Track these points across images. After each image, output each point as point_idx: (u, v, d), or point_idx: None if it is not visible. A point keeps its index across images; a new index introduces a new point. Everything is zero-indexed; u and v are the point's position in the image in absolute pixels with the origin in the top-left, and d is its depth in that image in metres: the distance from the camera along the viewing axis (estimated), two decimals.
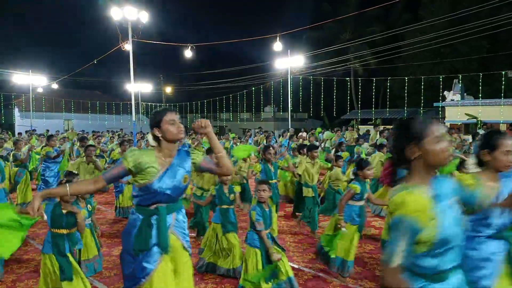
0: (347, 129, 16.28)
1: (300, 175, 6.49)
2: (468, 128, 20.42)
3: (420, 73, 25.85)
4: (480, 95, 19.69)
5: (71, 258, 3.54)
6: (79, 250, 4.27)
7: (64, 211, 3.62)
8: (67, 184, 2.53)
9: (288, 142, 13.12)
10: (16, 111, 32.93)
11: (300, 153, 7.61)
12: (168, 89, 42.20)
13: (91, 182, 2.53)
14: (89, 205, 4.42)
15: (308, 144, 8.86)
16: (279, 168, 6.63)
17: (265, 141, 14.28)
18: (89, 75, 33.92)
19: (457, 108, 20.65)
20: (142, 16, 16.70)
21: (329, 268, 4.57)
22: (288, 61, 21.09)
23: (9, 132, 20.69)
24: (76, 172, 4.50)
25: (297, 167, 6.45)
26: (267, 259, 3.78)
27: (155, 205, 2.53)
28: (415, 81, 24.91)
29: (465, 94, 22.03)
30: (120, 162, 2.54)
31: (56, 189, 2.78)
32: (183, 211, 2.75)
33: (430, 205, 1.61)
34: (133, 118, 17.32)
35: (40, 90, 30.49)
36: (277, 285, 3.76)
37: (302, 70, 24.52)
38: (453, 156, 6.81)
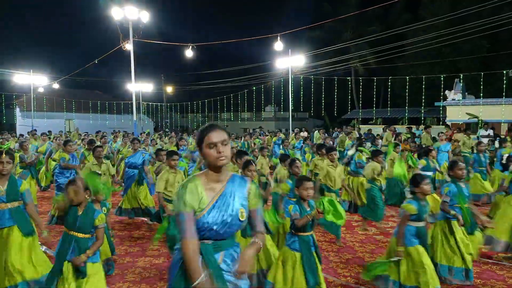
0: (347, 129, 16.29)
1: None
2: (470, 127, 20.39)
3: (421, 73, 25.81)
4: (481, 95, 19.65)
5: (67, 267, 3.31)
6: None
7: (79, 212, 3.40)
8: None
9: (302, 145, 12.90)
10: (17, 111, 32.97)
11: (319, 154, 7.42)
12: (169, 89, 42.23)
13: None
14: (104, 208, 4.30)
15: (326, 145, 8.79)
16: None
17: (294, 141, 13.66)
18: (90, 75, 34.02)
19: (458, 107, 20.62)
20: (142, 16, 16.74)
21: None
22: (288, 61, 21.11)
23: (14, 133, 20.70)
24: (99, 172, 4.56)
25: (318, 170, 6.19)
26: (308, 262, 3.52)
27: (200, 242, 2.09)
28: (416, 81, 24.87)
29: (466, 93, 21.99)
30: (182, 214, 2.04)
31: None
32: (238, 250, 2.21)
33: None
34: (134, 118, 17.37)
35: (41, 90, 30.54)
36: None
37: (303, 69, 24.53)
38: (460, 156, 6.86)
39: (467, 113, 19.65)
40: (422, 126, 17.80)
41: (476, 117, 18.87)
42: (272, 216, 4.52)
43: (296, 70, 22.85)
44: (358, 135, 14.77)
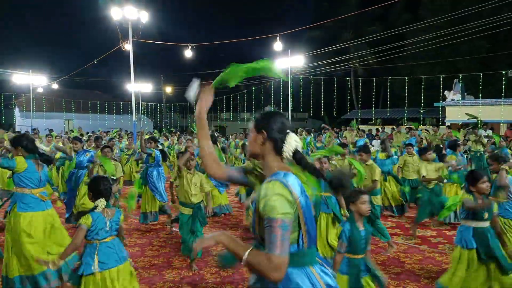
0: (346, 129, 16.29)
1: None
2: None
3: (420, 73, 25.82)
4: (480, 95, 19.68)
5: None
6: None
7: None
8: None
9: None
10: (16, 111, 32.96)
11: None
12: (168, 89, 42.22)
13: None
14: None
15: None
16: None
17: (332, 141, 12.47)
18: (89, 75, 34.02)
19: (457, 107, 20.64)
20: (142, 16, 16.70)
21: None
22: (288, 61, 21.08)
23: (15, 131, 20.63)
24: (114, 178, 4.55)
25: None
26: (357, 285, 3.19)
27: None
28: (415, 81, 24.89)
29: (465, 93, 22.02)
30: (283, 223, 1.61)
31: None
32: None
33: None
34: (134, 118, 17.32)
35: (40, 90, 30.49)
36: None
37: (302, 70, 24.52)
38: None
39: (466, 114, 19.63)
40: (422, 126, 17.82)
41: (476, 117, 18.86)
42: None
43: (296, 70, 22.83)
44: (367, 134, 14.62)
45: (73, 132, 18.13)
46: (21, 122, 31.28)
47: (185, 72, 46.88)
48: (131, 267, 3.33)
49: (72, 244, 3.12)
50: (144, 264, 5.15)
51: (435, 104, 22.71)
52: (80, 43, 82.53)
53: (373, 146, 12.82)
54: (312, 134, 15.10)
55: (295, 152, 1.79)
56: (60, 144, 10.26)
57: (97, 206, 3.13)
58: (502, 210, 4.35)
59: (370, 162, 5.79)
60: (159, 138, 14.27)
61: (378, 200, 5.74)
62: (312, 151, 10.83)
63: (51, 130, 17.38)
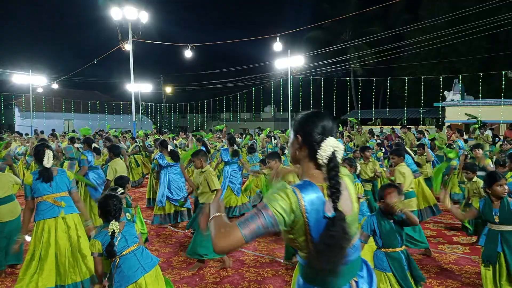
0: (346, 129, 16.27)
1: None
2: (468, 128, 20.40)
3: (420, 73, 25.83)
4: (480, 95, 19.66)
5: None
6: None
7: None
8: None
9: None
10: (16, 111, 32.94)
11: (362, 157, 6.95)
12: (168, 89, 42.24)
13: None
14: (127, 214, 4.03)
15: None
16: None
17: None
18: (89, 75, 33.97)
19: (457, 108, 20.63)
20: (142, 16, 16.70)
21: None
22: (288, 61, 21.08)
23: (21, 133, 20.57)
24: (124, 176, 4.61)
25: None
26: (405, 283, 3.04)
27: None
28: (415, 81, 24.89)
29: (465, 94, 22.01)
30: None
31: None
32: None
33: None
34: (133, 118, 17.33)
35: (40, 90, 30.47)
36: None
37: (302, 70, 24.50)
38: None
39: (466, 114, 19.68)
40: (422, 127, 17.83)
41: (475, 117, 18.88)
42: None
43: (296, 71, 22.83)
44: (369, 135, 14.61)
45: (74, 132, 18.09)
46: (21, 122, 31.27)
47: (184, 72, 46.99)
48: (157, 270, 3.29)
49: (97, 274, 3.15)
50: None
51: (435, 104, 22.70)
52: (80, 43, 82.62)
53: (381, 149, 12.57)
54: None
55: (330, 160, 1.60)
56: (65, 144, 10.21)
57: (111, 229, 3.08)
58: None
59: (403, 165, 5.29)
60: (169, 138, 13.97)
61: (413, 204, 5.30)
62: None
63: (53, 130, 17.36)
